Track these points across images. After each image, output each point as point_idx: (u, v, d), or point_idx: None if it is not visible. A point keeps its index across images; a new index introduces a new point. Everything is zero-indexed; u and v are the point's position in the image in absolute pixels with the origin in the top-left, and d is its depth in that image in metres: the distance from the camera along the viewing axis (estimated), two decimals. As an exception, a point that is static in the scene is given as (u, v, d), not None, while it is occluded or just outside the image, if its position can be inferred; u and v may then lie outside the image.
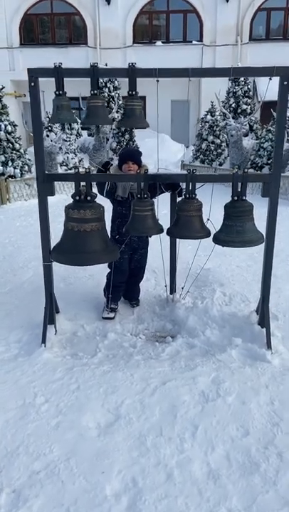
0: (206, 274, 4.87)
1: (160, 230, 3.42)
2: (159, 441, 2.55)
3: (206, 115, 13.49)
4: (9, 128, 9.40)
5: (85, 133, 13.92)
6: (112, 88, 13.78)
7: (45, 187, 3.35)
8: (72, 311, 4.13)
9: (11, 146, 9.30)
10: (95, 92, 3.14)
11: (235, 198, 3.27)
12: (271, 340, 3.43)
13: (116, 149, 13.12)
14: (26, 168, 9.37)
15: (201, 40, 19.09)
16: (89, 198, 3.23)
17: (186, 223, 3.33)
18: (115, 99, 13.45)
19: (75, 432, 2.59)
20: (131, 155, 3.97)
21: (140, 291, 4.45)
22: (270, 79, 3.08)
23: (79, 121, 4.09)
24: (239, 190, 3.26)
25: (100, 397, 2.90)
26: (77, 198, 3.22)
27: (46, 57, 16.95)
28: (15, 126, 10.90)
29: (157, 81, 3.14)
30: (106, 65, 13.50)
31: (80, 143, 13.08)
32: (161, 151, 15.76)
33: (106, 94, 13.71)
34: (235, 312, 3.92)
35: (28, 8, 19.68)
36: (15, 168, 9.12)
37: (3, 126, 9.27)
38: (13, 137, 9.40)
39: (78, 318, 4.03)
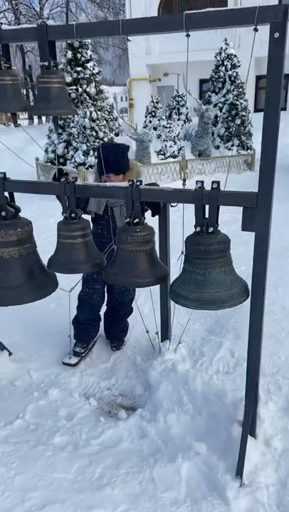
0: (229, 316, 3.53)
1: (95, 266, 2.34)
2: None
3: None
4: (94, 115, 8.84)
5: (196, 119, 12.70)
6: (229, 66, 12.22)
7: None
8: (32, 348, 3.30)
9: (94, 134, 8.76)
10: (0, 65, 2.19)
11: (198, 230, 2.02)
12: (247, 461, 2.10)
13: (224, 136, 11.65)
14: (109, 157, 8.74)
15: None
16: (4, 213, 2.37)
17: (124, 262, 2.18)
18: (231, 78, 11.88)
19: None
20: (111, 166, 2.77)
21: (126, 330, 3.39)
22: (256, 30, 1.73)
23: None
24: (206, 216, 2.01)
25: None
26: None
27: (184, 39, 15.81)
28: (110, 112, 10.37)
29: (81, 42, 2.03)
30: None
31: (186, 129, 11.96)
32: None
33: (221, 74, 12.22)
34: (226, 391, 2.60)
35: (168, -12, 18.95)
36: (96, 158, 8.57)
37: (88, 113, 8.75)
38: (97, 125, 8.83)
39: (32, 359, 3.19)
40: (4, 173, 2.38)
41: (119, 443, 2.44)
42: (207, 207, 1.99)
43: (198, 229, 2.02)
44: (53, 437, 2.47)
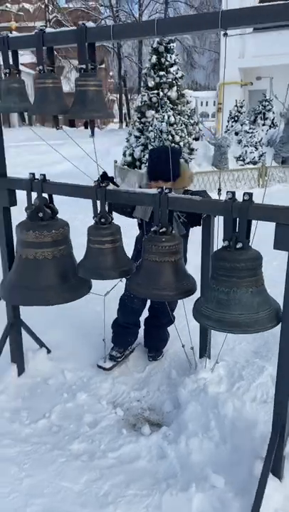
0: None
1: (122, 273, 2.27)
2: None
3: None
4: (172, 119, 8.80)
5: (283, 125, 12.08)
6: None
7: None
8: (70, 348, 3.31)
9: (170, 138, 8.71)
10: (43, 67, 2.20)
11: (226, 244, 1.85)
12: (265, 504, 1.88)
13: (311, 143, 10.96)
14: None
15: None
16: (41, 214, 2.40)
17: (147, 273, 2.08)
18: None
19: None
20: (161, 171, 2.68)
21: (166, 341, 3.28)
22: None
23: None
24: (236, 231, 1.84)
25: None
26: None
27: (282, 41, 15.11)
28: (190, 117, 10.26)
29: (119, 44, 1.97)
30: None
31: (270, 135, 11.44)
32: None
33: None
34: (257, 422, 2.37)
35: (266, -9, 18.33)
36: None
37: (166, 117, 8.73)
38: (174, 129, 8.77)
39: (68, 360, 3.19)
40: (44, 175, 2.40)
41: (136, 460, 2.33)
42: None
43: (225, 243, 1.86)
44: (72, 443, 2.44)
